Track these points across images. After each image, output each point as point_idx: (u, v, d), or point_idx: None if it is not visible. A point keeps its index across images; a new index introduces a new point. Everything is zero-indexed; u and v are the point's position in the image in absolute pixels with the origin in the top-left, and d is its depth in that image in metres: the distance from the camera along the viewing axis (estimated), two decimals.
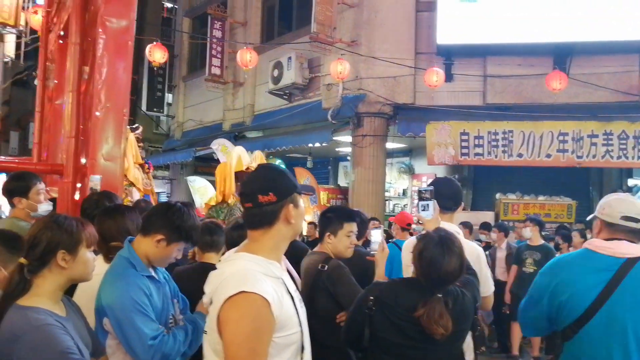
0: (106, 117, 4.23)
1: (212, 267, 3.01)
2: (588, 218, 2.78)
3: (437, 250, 2.37)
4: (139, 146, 5.52)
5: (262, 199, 1.87)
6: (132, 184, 5.41)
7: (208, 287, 1.90)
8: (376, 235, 3.22)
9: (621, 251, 2.44)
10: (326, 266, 3.09)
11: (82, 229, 2.11)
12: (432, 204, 2.96)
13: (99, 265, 2.41)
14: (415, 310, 2.32)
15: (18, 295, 1.99)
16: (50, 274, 2.04)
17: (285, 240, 1.96)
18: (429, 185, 3.13)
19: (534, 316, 2.64)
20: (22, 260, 2.02)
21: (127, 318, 2.24)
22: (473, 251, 2.93)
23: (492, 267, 8.25)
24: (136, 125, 5.77)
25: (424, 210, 2.98)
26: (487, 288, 2.96)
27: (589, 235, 7.08)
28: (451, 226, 2.94)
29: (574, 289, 2.44)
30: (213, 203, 10.69)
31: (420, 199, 3.00)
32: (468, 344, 2.76)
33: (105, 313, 2.28)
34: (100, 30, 4.21)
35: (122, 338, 2.26)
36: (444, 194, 3.12)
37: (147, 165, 5.49)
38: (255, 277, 1.79)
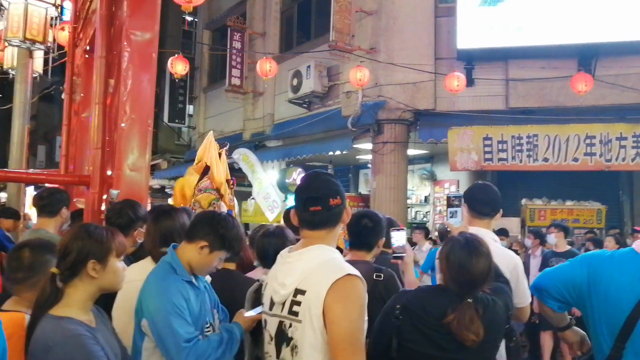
0: (131, 129, 4.29)
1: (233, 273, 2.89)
2: None
3: (464, 252, 2.32)
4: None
5: (332, 202, 2.07)
6: (221, 198, 5.46)
7: (288, 278, 2.03)
8: (399, 238, 3.11)
9: None
10: (382, 276, 2.98)
11: (112, 239, 2.13)
12: (461, 211, 2.88)
13: (147, 271, 2.51)
14: (445, 318, 2.23)
15: (50, 305, 2.00)
16: (81, 284, 2.05)
17: (335, 240, 2.16)
18: (465, 192, 3.04)
19: (560, 281, 2.49)
20: (54, 270, 2.04)
21: (164, 319, 2.27)
22: (510, 260, 2.83)
23: (527, 274, 8.04)
24: (225, 142, 5.91)
25: (452, 217, 2.92)
26: (523, 299, 2.83)
27: (629, 241, 6.84)
28: (487, 232, 2.83)
29: (613, 290, 2.28)
30: None
31: (449, 205, 2.95)
32: (501, 355, 2.63)
33: (144, 315, 2.32)
34: (125, 43, 4.29)
35: (158, 339, 2.29)
36: (480, 199, 3.04)
37: (232, 181, 5.55)
38: (346, 264, 2.02)
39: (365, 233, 3.09)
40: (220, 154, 5.38)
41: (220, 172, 5.39)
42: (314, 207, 2.07)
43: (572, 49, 9.50)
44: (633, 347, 2.23)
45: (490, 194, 3.12)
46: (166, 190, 18.26)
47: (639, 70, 9.40)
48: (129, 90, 4.30)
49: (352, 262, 2.95)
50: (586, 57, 9.52)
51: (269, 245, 3.09)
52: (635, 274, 2.27)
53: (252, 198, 11.45)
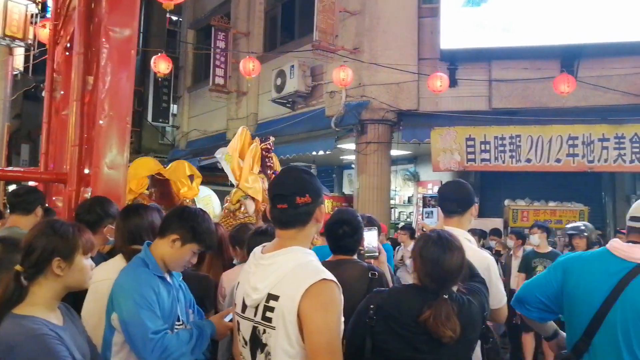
0: (109, 126, 4.27)
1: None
2: None
3: (437, 248, 2.30)
4: (268, 156, 5.54)
5: (299, 200, 1.98)
6: (248, 195, 5.34)
7: (261, 283, 1.96)
8: (371, 238, 3.07)
9: (633, 255, 2.30)
10: (376, 273, 2.90)
11: (79, 235, 2.06)
12: (437, 211, 2.86)
13: (118, 269, 2.49)
14: (420, 317, 2.20)
15: (14, 303, 1.95)
16: (46, 282, 1.99)
17: (311, 238, 2.09)
18: (437, 191, 3.02)
19: (538, 290, 2.55)
20: (18, 267, 1.98)
21: (132, 311, 2.26)
22: (483, 260, 2.79)
23: (507, 275, 8.03)
24: (269, 136, 5.84)
25: (428, 217, 2.88)
26: (498, 300, 2.80)
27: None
28: (458, 231, 2.78)
29: (583, 286, 2.35)
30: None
31: (425, 205, 2.90)
32: (478, 357, 2.62)
33: (114, 308, 2.31)
34: (103, 40, 4.26)
35: (125, 331, 2.27)
36: (448, 197, 3.01)
37: (273, 176, 5.45)
38: (322, 267, 1.96)
39: (346, 241, 2.99)
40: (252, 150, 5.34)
41: (236, 166, 5.36)
42: (281, 205, 2.01)
43: (554, 50, 9.55)
44: (600, 342, 2.29)
45: (457, 191, 3.08)
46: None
47: (621, 71, 9.46)
48: (107, 87, 4.28)
49: (341, 262, 2.93)
50: (569, 58, 9.57)
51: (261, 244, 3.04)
52: (605, 271, 2.33)
53: None
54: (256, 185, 5.26)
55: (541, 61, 9.69)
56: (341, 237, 2.97)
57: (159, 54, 10.86)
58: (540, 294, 2.51)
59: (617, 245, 2.39)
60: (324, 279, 1.88)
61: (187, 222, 2.48)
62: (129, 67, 4.49)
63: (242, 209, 5.23)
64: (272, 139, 5.76)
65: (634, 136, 9.19)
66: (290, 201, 1.99)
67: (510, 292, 7.71)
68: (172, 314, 2.43)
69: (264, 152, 5.56)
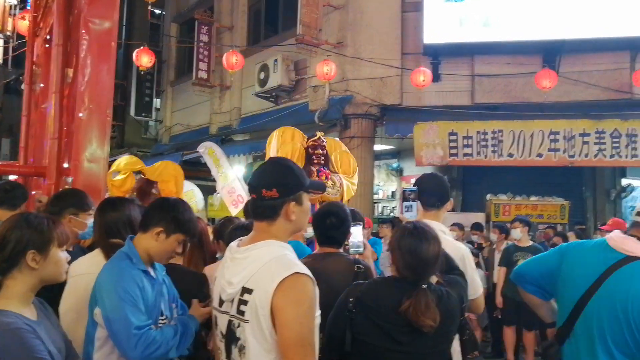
0: (89, 119, 4.27)
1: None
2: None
3: (413, 238, 2.32)
4: (315, 153, 5.39)
5: (265, 193, 1.96)
6: None
7: (235, 276, 1.94)
8: (356, 233, 3.07)
9: (623, 247, 2.33)
10: (362, 267, 2.91)
11: (54, 228, 2.03)
12: (416, 205, 2.88)
13: (96, 263, 2.47)
14: (400, 308, 2.21)
15: None
16: (21, 275, 1.96)
17: (287, 234, 2.04)
18: (414, 185, 3.03)
19: (536, 267, 2.62)
20: None
21: (116, 306, 2.24)
22: (457, 251, 2.81)
23: (490, 269, 8.09)
24: (317, 132, 5.72)
25: (407, 211, 2.91)
26: (474, 290, 2.81)
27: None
28: (434, 224, 2.78)
29: (575, 274, 2.39)
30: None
31: (405, 199, 2.94)
32: (455, 349, 2.62)
33: (97, 303, 2.28)
34: (83, 31, 4.25)
35: (109, 326, 2.24)
36: (426, 190, 3.02)
37: (316, 173, 5.35)
38: (296, 260, 1.94)
39: (332, 232, 3.01)
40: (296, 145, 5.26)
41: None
42: (252, 195, 2.03)
43: (536, 45, 9.61)
44: (581, 328, 2.32)
45: (435, 185, 3.10)
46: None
47: (601, 67, 9.55)
48: (87, 80, 4.29)
49: (326, 255, 2.95)
50: (550, 53, 9.64)
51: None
52: (596, 260, 2.35)
53: (218, 192, 11.33)
54: None
55: (523, 56, 9.76)
56: (328, 228, 2.99)
57: (142, 48, 10.77)
58: (537, 272, 2.58)
59: (613, 236, 2.41)
60: (297, 273, 1.86)
61: (169, 213, 2.47)
62: (109, 60, 4.47)
63: None
64: (320, 134, 5.58)
65: (614, 131, 9.28)
66: (257, 192, 1.99)
67: (492, 286, 7.84)
68: (155, 308, 2.42)
69: (309, 150, 5.37)
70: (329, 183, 5.21)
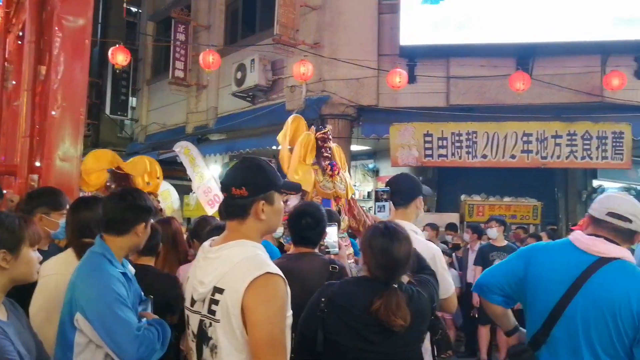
0: (62, 117, 4.22)
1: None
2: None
3: (384, 238, 2.33)
4: (325, 146, 5.18)
5: (235, 192, 1.96)
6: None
7: (207, 276, 1.93)
8: (331, 233, 3.10)
9: (596, 249, 2.35)
10: (337, 267, 2.92)
11: (25, 227, 2.02)
12: (389, 205, 2.91)
13: (66, 264, 2.44)
14: (371, 308, 2.22)
15: None
16: None
17: (258, 234, 2.04)
18: (386, 185, 3.07)
19: (502, 277, 2.58)
20: None
21: (110, 310, 2.20)
22: (428, 251, 2.83)
23: (464, 268, 8.18)
24: (327, 124, 5.50)
25: (380, 211, 2.94)
26: (445, 290, 2.84)
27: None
28: (407, 224, 2.82)
29: (545, 277, 2.39)
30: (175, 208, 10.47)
31: (377, 199, 2.97)
32: (426, 349, 2.66)
33: (82, 309, 2.21)
34: (56, 28, 4.20)
35: (104, 332, 2.19)
36: (394, 190, 3.06)
37: (329, 167, 5.20)
38: (268, 260, 1.93)
39: (308, 233, 3.01)
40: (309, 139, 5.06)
41: (285, 156, 5.10)
42: (224, 194, 2.03)
43: (510, 48, 9.71)
44: (559, 333, 2.32)
45: (399, 184, 3.15)
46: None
47: (574, 70, 9.69)
48: (60, 77, 4.24)
49: (301, 255, 2.95)
50: (524, 56, 9.75)
51: None
52: (567, 263, 2.36)
53: (194, 192, 11.29)
54: (307, 177, 4.93)
55: (497, 59, 9.85)
56: (304, 228, 2.99)
57: (117, 46, 10.67)
58: (502, 280, 2.55)
59: (579, 238, 2.43)
60: (269, 273, 1.86)
61: (142, 206, 2.46)
62: (83, 58, 4.42)
63: (288, 202, 4.88)
64: (329, 127, 5.38)
65: (585, 133, 9.45)
66: (228, 191, 1.99)
67: (467, 286, 7.93)
68: (134, 309, 2.41)
69: (319, 142, 5.20)
70: (338, 179, 5.10)
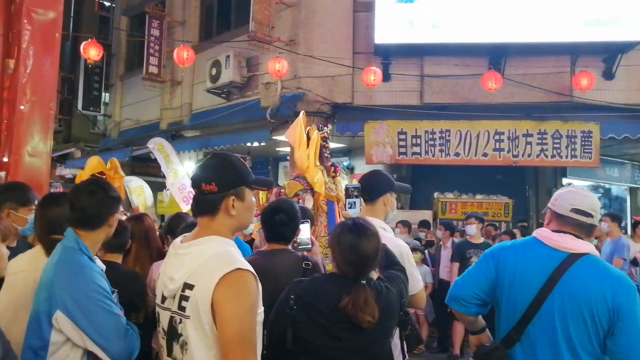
0: (31, 112, 4.18)
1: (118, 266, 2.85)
2: (543, 211, 2.74)
3: (352, 234, 2.34)
4: (326, 146, 5.10)
5: (204, 187, 1.96)
6: (309, 189, 4.89)
7: (177, 272, 1.93)
8: (304, 231, 3.11)
9: (565, 245, 2.40)
10: (310, 264, 2.91)
11: None
12: (359, 201, 2.92)
13: (35, 261, 2.41)
14: (340, 304, 2.23)
15: None
16: None
17: (230, 230, 2.03)
18: (358, 182, 3.08)
19: (475, 285, 2.57)
20: None
21: (98, 306, 2.19)
22: (396, 248, 2.84)
23: (437, 265, 8.29)
24: (326, 124, 5.30)
25: (350, 207, 2.94)
26: (413, 286, 2.83)
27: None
28: (376, 221, 2.84)
29: (518, 277, 2.42)
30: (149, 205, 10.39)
31: (348, 196, 2.97)
32: (396, 344, 2.68)
33: (65, 306, 2.16)
34: (25, 21, 4.14)
35: (92, 328, 2.15)
36: (362, 187, 3.05)
37: (332, 168, 5.07)
38: (239, 256, 1.92)
39: (281, 229, 3.01)
40: (309, 137, 4.92)
41: (303, 154, 4.91)
42: (194, 190, 2.03)
43: (483, 48, 9.82)
44: (535, 330, 2.36)
45: (366, 181, 3.17)
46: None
47: (544, 70, 9.84)
48: (29, 71, 4.20)
49: (274, 252, 2.94)
50: (496, 56, 9.86)
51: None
52: (539, 261, 2.40)
53: (168, 189, 11.22)
54: (320, 178, 4.83)
55: (470, 58, 9.96)
56: (277, 225, 2.99)
57: (89, 40, 10.54)
58: (477, 289, 2.55)
59: (547, 235, 2.47)
60: (239, 269, 1.86)
61: (115, 199, 2.47)
62: (53, 52, 4.37)
63: (300, 203, 4.81)
64: (329, 127, 5.34)
65: (556, 132, 9.61)
66: (198, 187, 1.99)
67: (439, 282, 8.03)
68: None
69: (321, 142, 5.13)
70: (338, 179, 5.01)
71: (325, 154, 5.07)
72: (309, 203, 4.84)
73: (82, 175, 6.39)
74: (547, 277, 2.35)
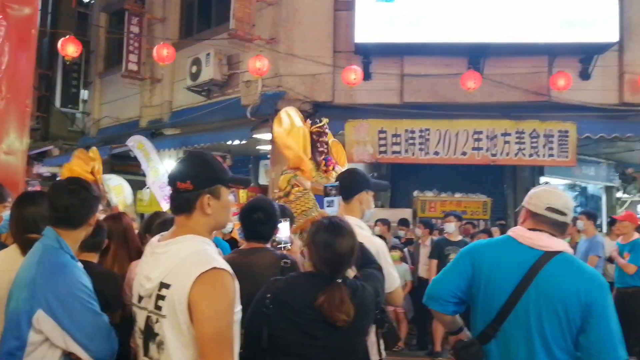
0: (7, 109, 4.12)
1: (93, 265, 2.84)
2: (517, 209, 2.78)
3: (327, 233, 2.35)
4: (320, 141, 4.97)
5: (180, 185, 1.96)
6: (302, 172, 4.77)
7: (154, 272, 1.92)
8: (283, 229, 3.11)
9: (540, 244, 2.44)
10: (289, 262, 2.88)
11: None
12: (337, 200, 2.93)
13: (11, 260, 2.38)
14: (315, 302, 2.24)
15: None
16: None
17: (206, 229, 2.02)
18: (336, 180, 3.09)
19: (452, 284, 2.59)
20: None
21: (83, 306, 2.17)
22: (372, 246, 2.85)
23: (416, 263, 8.36)
24: (323, 118, 5.16)
25: (329, 206, 2.95)
26: (390, 283, 2.86)
27: None
28: (352, 219, 2.85)
29: (494, 275, 2.45)
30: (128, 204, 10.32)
31: (326, 194, 2.97)
32: (373, 342, 2.70)
33: (48, 306, 2.13)
34: (0, 17, 4.08)
35: (75, 328, 2.14)
36: (340, 185, 3.09)
37: (324, 162, 4.90)
38: (216, 255, 1.92)
39: (259, 227, 3.00)
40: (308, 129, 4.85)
41: (292, 143, 4.83)
42: (171, 188, 2.03)
43: (462, 47, 9.89)
44: (510, 327, 2.40)
45: (344, 178, 3.19)
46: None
47: (522, 70, 9.95)
48: (4, 68, 4.14)
49: (252, 250, 2.93)
50: (476, 56, 9.94)
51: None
52: (514, 259, 2.44)
53: (148, 187, 11.15)
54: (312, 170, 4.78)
55: (450, 58, 10.03)
56: (255, 223, 2.97)
57: (67, 37, 10.42)
58: (454, 287, 2.57)
59: (522, 233, 2.51)
60: (216, 268, 1.85)
61: (97, 198, 2.47)
62: (29, 48, 4.31)
63: (295, 188, 4.72)
64: (325, 120, 5.13)
65: (533, 132, 9.72)
66: (174, 185, 2.00)
67: (418, 280, 8.10)
68: None
69: (314, 137, 5.00)
70: (333, 174, 4.83)
71: (320, 149, 4.97)
72: (306, 183, 4.77)
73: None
74: (522, 275, 2.39)
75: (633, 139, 10.24)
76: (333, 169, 4.97)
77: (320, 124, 5.04)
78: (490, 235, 8.31)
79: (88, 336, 2.16)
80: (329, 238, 2.35)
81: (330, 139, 5.34)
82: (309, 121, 5.10)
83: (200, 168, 2.02)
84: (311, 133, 4.98)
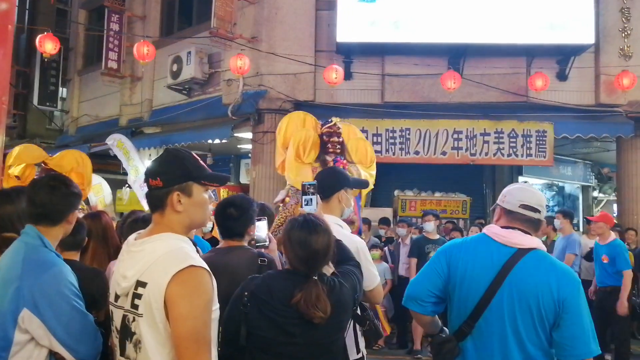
0: None
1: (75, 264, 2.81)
2: (492, 207, 2.80)
3: (302, 230, 2.36)
4: (331, 141, 4.84)
5: (151, 182, 1.95)
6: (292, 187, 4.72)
7: (130, 270, 1.89)
8: (260, 228, 3.09)
9: (514, 241, 2.48)
10: (266, 260, 2.87)
11: None
12: (316, 199, 2.93)
13: None
14: (292, 300, 2.24)
15: None
16: None
17: (182, 227, 1.98)
18: (314, 179, 3.09)
19: (430, 283, 2.60)
20: None
21: (69, 305, 2.15)
22: (352, 244, 2.85)
23: (396, 262, 8.40)
24: (332, 118, 5.03)
25: (307, 204, 2.94)
26: (370, 281, 2.87)
27: None
28: (331, 218, 2.88)
29: (469, 273, 2.48)
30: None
31: (304, 193, 2.96)
32: (351, 339, 2.73)
33: (34, 304, 2.10)
34: None
35: (60, 328, 2.11)
36: (318, 184, 3.08)
37: (332, 164, 4.71)
38: (192, 253, 1.89)
39: (231, 223, 2.97)
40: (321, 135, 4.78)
41: (289, 155, 4.75)
42: (146, 185, 2.01)
43: (442, 48, 9.96)
44: (485, 324, 2.43)
45: (322, 177, 3.21)
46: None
47: (501, 70, 10.07)
48: None
49: (230, 249, 2.91)
50: (455, 56, 10.03)
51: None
52: (489, 257, 2.47)
53: (127, 186, 11.09)
54: (304, 175, 4.59)
55: (430, 58, 10.09)
56: (227, 218, 2.96)
57: (45, 33, 10.30)
58: (432, 287, 2.58)
59: (496, 231, 2.54)
60: (192, 265, 1.83)
61: (77, 195, 2.45)
62: (5, 44, 4.22)
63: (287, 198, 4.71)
64: (335, 119, 4.99)
65: (512, 132, 9.84)
66: (147, 182, 1.98)
67: (399, 279, 8.15)
68: None
69: (324, 137, 4.88)
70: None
71: (331, 149, 4.86)
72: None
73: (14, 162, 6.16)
74: (496, 272, 2.42)
75: (608, 139, 10.42)
76: (343, 168, 4.76)
77: (330, 125, 4.96)
78: (462, 233, 8.39)
79: (73, 337, 2.14)
80: (304, 235, 2.35)
81: (355, 136, 5.29)
82: (319, 122, 5.02)
83: (172, 165, 1.99)
84: (321, 134, 4.91)
